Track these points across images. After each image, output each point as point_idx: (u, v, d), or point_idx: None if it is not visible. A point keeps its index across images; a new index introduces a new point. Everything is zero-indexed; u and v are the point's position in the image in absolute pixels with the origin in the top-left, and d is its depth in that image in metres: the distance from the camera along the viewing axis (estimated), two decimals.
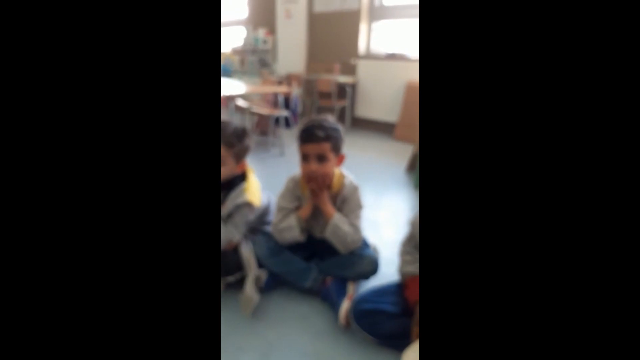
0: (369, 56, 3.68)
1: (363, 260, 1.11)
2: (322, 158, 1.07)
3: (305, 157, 1.09)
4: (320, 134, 1.05)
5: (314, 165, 1.07)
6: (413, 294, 0.90)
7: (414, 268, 0.93)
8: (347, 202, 1.15)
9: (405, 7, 3.36)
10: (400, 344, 0.87)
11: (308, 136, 1.06)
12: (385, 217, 1.78)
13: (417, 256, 0.94)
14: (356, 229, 1.13)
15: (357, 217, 1.15)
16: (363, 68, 3.64)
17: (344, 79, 3.60)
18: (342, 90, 3.64)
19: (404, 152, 2.82)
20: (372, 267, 1.12)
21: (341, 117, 3.72)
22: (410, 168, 2.43)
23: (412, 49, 3.38)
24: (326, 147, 1.06)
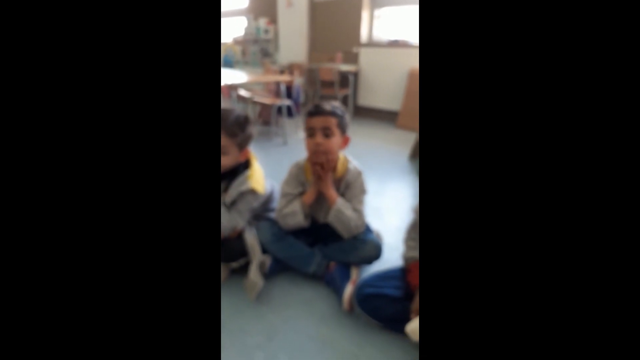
0: (371, 44, 3.61)
1: (366, 245, 1.10)
2: (327, 132, 1.06)
3: (311, 132, 1.08)
4: (327, 108, 1.07)
5: (320, 138, 1.06)
6: (415, 279, 0.90)
7: (416, 253, 0.92)
8: (350, 187, 1.13)
9: None
10: (403, 327, 0.86)
11: (315, 109, 1.08)
12: (389, 204, 1.77)
13: None
14: (359, 214, 1.11)
15: (361, 202, 1.13)
16: (365, 56, 3.58)
17: (346, 67, 3.54)
18: (344, 79, 3.58)
19: (407, 140, 2.79)
20: (376, 252, 1.11)
21: (344, 106, 3.68)
22: (413, 156, 2.40)
23: (414, 35, 3.31)
24: (332, 121, 1.06)
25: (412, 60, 3.24)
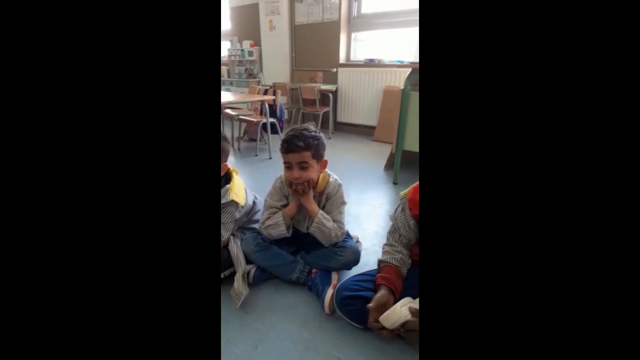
0: (349, 64, 3.71)
1: (345, 251, 1.12)
2: (304, 165, 1.06)
3: (288, 165, 1.08)
4: (300, 144, 1.03)
5: (297, 173, 1.07)
6: (379, 278, 0.92)
7: (388, 257, 0.95)
8: (331, 199, 1.15)
9: (381, 16, 3.40)
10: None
11: (289, 146, 1.05)
12: (367, 211, 1.80)
13: (397, 247, 0.96)
14: (340, 224, 1.14)
15: (341, 212, 1.15)
16: (343, 75, 3.67)
17: (326, 86, 3.62)
18: (325, 97, 3.65)
19: (383, 152, 2.85)
20: (355, 257, 1.13)
21: (325, 123, 3.73)
22: (388, 166, 2.46)
23: (388, 55, 3.42)
24: (307, 155, 1.05)
25: (386, 78, 3.34)
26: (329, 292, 1.01)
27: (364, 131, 3.68)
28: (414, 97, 1.97)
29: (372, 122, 3.56)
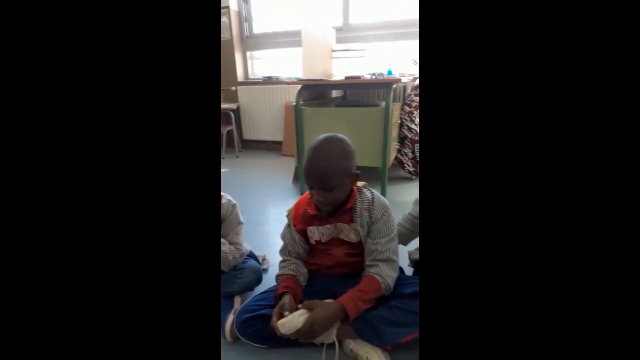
0: (248, 82, 3.71)
1: (245, 272, 1.09)
2: None
3: None
4: None
5: None
6: (279, 289, 0.93)
7: (284, 270, 0.97)
8: (226, 221, 1.11)
9: (272, 36, 3.50)
10: (286, 343, 0.87)
11: None
12: (275, 226, 1.79)
13: (290, 260, 1.00)
14: (237, 245, 1.10)
15: (237, 233, 1.12)
16: (243, 93, 3.65)
17: (226, 105, 3.54)
18: (226, 116, 3.56)
19: (291, 166, 2.90)
20: (256, 277, 1.11)
21: (230, 141, 3.63)
22: (295, 179, 2.51)
23: (285, 72, 3.53)
24: None
25: (286, 95, 3.44)
26: (230, 318, 0.97)
27: (271, 147, 3.70)
28: (307, 112, 2.06)
29: (279, 137, 3.60)
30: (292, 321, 0.80)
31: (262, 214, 1.94)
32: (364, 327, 0.85)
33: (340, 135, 0.89)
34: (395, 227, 0.95)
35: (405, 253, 1.22)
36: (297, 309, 0.85)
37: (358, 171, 0.89)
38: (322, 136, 0.88)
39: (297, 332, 0.80)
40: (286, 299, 0.88)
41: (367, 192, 0.94)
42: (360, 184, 0.96)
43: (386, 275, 0.87)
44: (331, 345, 0.84)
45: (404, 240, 1.16)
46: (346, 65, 2.85)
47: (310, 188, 0.88)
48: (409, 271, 1.21)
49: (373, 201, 0.92)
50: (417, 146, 2.30)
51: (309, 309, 0.83)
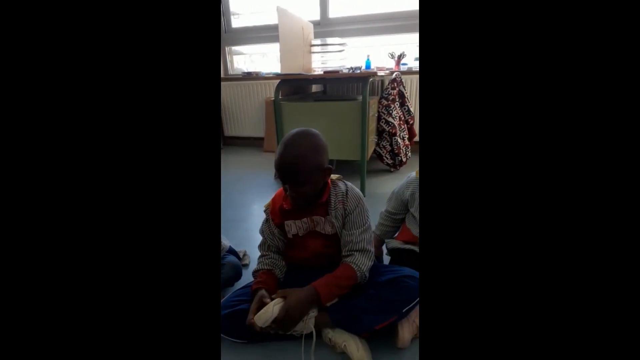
0: (228, 77, 3.64)
1: (224, 268, 1.08)
2: None
3: None
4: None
5: None
6: (253, 285, 0.93)
7: (261, 265, 0.98)
8: None
9: (252, 31, 3.45)
10: (266, 337, 0.87)
11: None
12: (256, 223, 1.78)
13: (267, 254, 1.00)
14: None
15: None
16: (224, 89, 3.58)
17: None
18: None
19: (272, 162, 2.89)
20: (235, 272, 1.11)
21: None
22: (276, 176, 2.50)
23: (265, 68, 3.49)
24: None
25: (265, 90, 3.40)
26: None
27: (254, 143, 3.67)
28: (286, 107, 2.05)
29: (261, 133, 3.57)
30: (267, 312, 0.81)
31: (244, 210, 1.93)
32: (342, 316, 0.87)
33: (313, 130, 0.89)
34: (369, 217, 0.96)
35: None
36: (271, 299, 0.85)
37: (330, 165, 0.90)
38: (293, 131, 0.88)
39: (275, 321, 0.81)
40: (260, 294, 0.88)
41: (341, 185, 0.95)
42: (334, 176, 0.97)
43: (361, 264, 0.89)
44: (309, 336, 0.85)
45: (390, 235, 1.22)
46: (326, 59, 2.84)
47: (284, 183, 0.89)
48: (387, 260, 1.24)
49: (347, 193, 0.93)
50: (394, 139, 2.33)
51: (283, 297, 0.84)
